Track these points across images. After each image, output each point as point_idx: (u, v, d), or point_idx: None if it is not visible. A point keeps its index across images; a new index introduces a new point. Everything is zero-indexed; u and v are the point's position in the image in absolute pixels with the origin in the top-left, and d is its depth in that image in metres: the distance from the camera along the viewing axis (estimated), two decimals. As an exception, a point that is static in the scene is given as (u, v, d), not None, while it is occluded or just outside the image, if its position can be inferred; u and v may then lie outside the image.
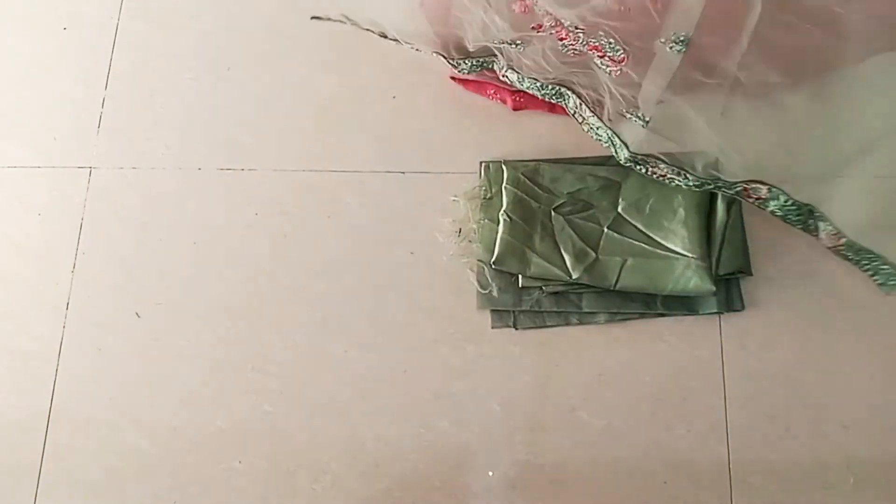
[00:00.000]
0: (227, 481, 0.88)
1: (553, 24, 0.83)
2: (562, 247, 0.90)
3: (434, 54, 0.94)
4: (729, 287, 0.90)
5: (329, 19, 1.00)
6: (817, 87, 0.85)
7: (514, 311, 0.91)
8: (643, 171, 0.90)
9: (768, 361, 0.89)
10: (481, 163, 0.96)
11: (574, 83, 0.90)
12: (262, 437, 0.89)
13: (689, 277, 0.87)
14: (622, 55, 0.81)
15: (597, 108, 0.90)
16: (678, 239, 0.89)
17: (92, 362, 0.92)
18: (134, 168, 0.99)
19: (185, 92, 1.02)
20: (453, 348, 0.90)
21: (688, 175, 0.87)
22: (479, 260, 0.92)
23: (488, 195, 0.94)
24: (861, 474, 0.85)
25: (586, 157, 0.96)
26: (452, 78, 0.99)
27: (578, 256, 0.90)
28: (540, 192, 0.93)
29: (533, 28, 0.85)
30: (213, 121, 1.01)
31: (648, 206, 0.92)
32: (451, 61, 0.94)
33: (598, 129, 0.92)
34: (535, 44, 0.86)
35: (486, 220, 0.93)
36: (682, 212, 0.90)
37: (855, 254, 0.87)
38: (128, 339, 0.93)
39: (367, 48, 1.01)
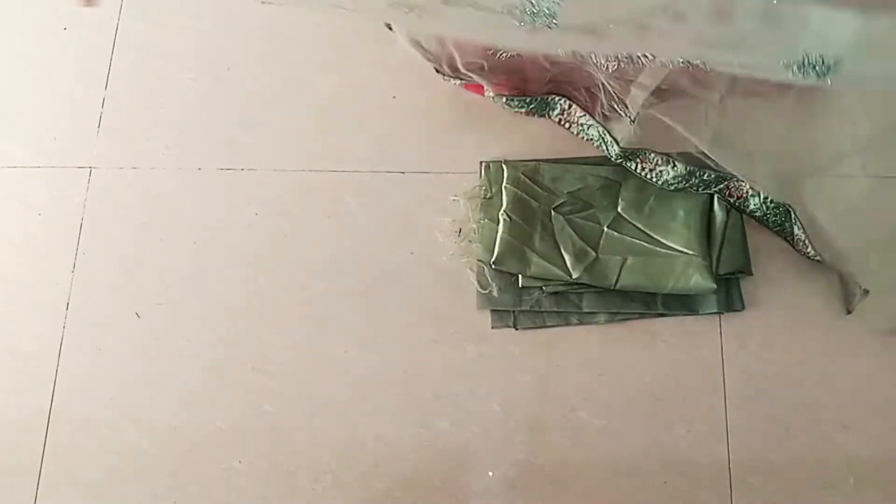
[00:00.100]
0: (227, 481, 0.88)
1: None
2: (562, 246, 0.90)
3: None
4: (729, 287, 0.90)
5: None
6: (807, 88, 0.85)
7: (514, 311, 0.91)
8: (634, 167, 0.92)
9: (768, 361, 0.89)
10: (481, 162, 0.96)
11: (565, 83, 0.91)
12: (262, 437, 0.89)
13: (690, 275, 0.87)
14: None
15: (588, 105, 0.90)
16: (678, 238, 0.89)
17: (92, 362, 0.92)
18: (134, 168, 0.99)
19: (185, 92, 1.02)
20: (453, 348, 0.90)
21: (676, 164, 0.89)
22: (479, 260, 0.92)
23: (488, 195, 0.94)
24: (861, 474, 0.85)
25: (586, 157, 0.96)
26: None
27: (578, 256, 0.90)
28: (540, 191, 0.93)
29: None
30: (213, 121, 1.01)
31: (648, 205, 0.92)
32: (443, 77, 0.94)
33: (588, 128, 0.93)
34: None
35: (486, 220, 0.93)
36: (681, 212, 0.90)
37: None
38: (128, 339, 0.93)
39: (367, 48, 1.01)
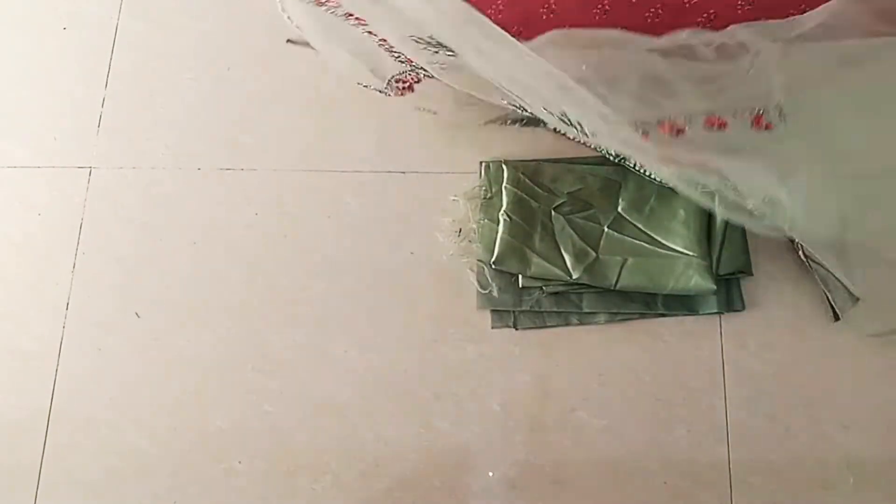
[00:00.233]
0: (227, 481, 0.88)
1: None
2: (562, 246, 0.90)
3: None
4: (729, 287, 0.90)
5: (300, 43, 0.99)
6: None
7: (514, 311, 0.91)
8: (632, 164, 0.92)
9: (768, 361, 0.89)
10: (481, 162, 0.96)
11: None
12: (262, 437, 0.89)
13: (690, 276, 0.87)
14: None
15: None
16: (679, 238, 0.89)
17: (92, 362, 0.92)
18: (134, 168, 0.99)
19: (185, 92, 1.02)
20: (453, 348, 0.90)
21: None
22: (479, 260, 0.92)
23: (488, 195, 0.94)
24: (861, 474, 0.85)
25: (586, 157, 0.96)
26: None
27: (579, 256, 0.90)
28: (540, 191, 0.93)
29: None
30: (213, 121, 1.01)
31: (648, 206, 0.92)
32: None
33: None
34: None
35: (486, 220, 0.93)
36: (682, 212, 0.90)
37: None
38: (128, 339, 0.93)
39: (367, 48, 1.01)
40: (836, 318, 0.88)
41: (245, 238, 0.96)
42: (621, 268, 0.89)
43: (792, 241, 0.89)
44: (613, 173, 0.94)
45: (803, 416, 0.87)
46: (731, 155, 0.78)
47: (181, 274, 0.95)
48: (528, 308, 0.90)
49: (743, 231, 0.90)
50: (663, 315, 0.90)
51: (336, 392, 0.90)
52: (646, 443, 0.87)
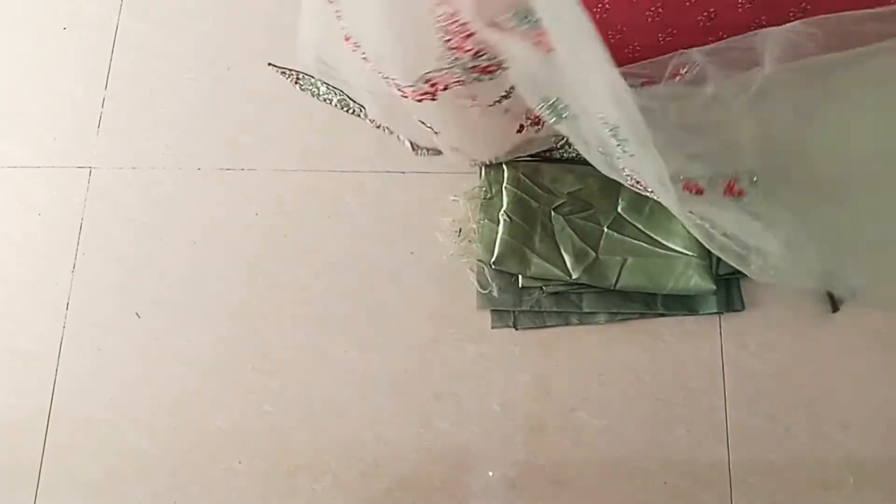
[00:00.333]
0: (227, 481, 0.88)
1: None
2: (562, 247, 0.90)
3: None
4: (729, 287, 0.90)
5: (285, 71, 1.01)
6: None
7: (514, 311, 0.91)
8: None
9: (768, 361, 0.89)
10: (481, 163, 0.96)
11: None
12: (262, 437, 0.89)
13: (690, 276, 0.87)
14: None
15: None
16: (678, 238, 0.89)
17: (92, 362, 0.92)
18: (134, 168, 0.99)
19: (185, 92, 1.02)
20: (453, 348, 0.90)
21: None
22: (479, 260, 0.92)
23: (488, 195, 0.94)
24: (861, 474, 0.85)
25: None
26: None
27: (578, 256, 0.90)
28: (540, 191, 0.93)
29: None
30: (213, 121, 1.01)
31: (648, 206, 0.92)
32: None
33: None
34: None
35: (486, 220, 0.93)
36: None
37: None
38: (128, 339, 0.93)
39: (367, 48, 1.01)
40: (835, 309, 0.88)
41: (245, 238, 0.96)
42: (621, 268, 0.89)
43: None
44: (613, 173, 0.94)
45: (803, 416, 0.87)
46: (714, 206, 0.79)
47: (181, 274, 0.95)
48: (528, 308, 0.90)
49: (743, 231, 0.91)
50: (663, 315, 0.90)
51: (336, 392, 0.90)
52: (646, 443, 0.87)
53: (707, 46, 0.81)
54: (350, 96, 0.96)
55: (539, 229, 0.91)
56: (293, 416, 0.89)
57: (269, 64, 1.01)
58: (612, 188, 0.94)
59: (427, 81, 0.70)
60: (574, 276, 0.89)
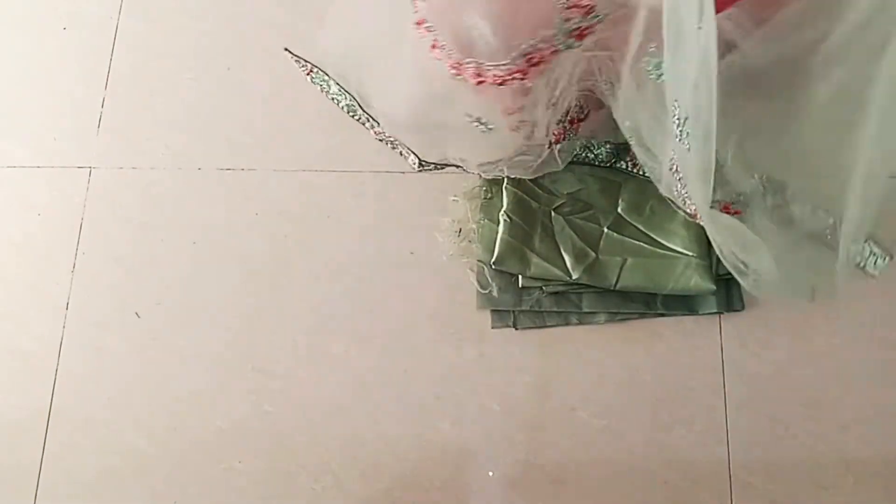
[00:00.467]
0: (227, 481, 0.88)
1: None
2: (562, 247, 0.90)
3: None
4: (729, 287, 0.90)
5: (300, 60, 1.00)
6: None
7: (514, 311, 0.91)
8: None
9: (768, 361, 0.89)
10: (481, 163, 0.96)
11: None
12: (262, 437, 0.89)
13: (690, 276, 0.87)
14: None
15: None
16: (678, 239, 0.89)
17: (92, 362, 0.92)
18: (134, 168, 0.99)
19: (185, 92, 1.02)
20: (453, 348, 0.90)
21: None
22: (479, 260, 0.92)
23: (488, 195, 0.94)
24: (861, 474, 0.85)
25: (586, 158, 0.96)
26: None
27: (578, 256, 0.90)
28: (540, 192, 0.93)
29: None
30: (213, 121, 1.01)
31: (648, 207, 0.92)
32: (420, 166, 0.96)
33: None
34: None
35: (486, 220, 0.93)
36: (681, 213, 0.90)
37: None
38: (128, 339, 0.93)
39: (367, 48, 1.01)
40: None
41: (245, 238, 0.96)
42: (621, 268, 0.89)
43: None
44: (613, 174, 0.94)
45: (803, 416, 0.87)
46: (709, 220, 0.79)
47: (181, 274, 0.95)
48: (528, 308, 0.90)
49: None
50: (663, 315, 0.90)
51: (336, 392, 0.90)
52: (646, 443, 0.87)
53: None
54: (361, 105, 0.96)
55: (539, 229, 0.91)
56: (293, 416, 0.89)
57: (286, 49, 1.00)
58: (612, 189, 0.94)
59: (525, 55, 0.66)
60: (574, 277, 0.89)
